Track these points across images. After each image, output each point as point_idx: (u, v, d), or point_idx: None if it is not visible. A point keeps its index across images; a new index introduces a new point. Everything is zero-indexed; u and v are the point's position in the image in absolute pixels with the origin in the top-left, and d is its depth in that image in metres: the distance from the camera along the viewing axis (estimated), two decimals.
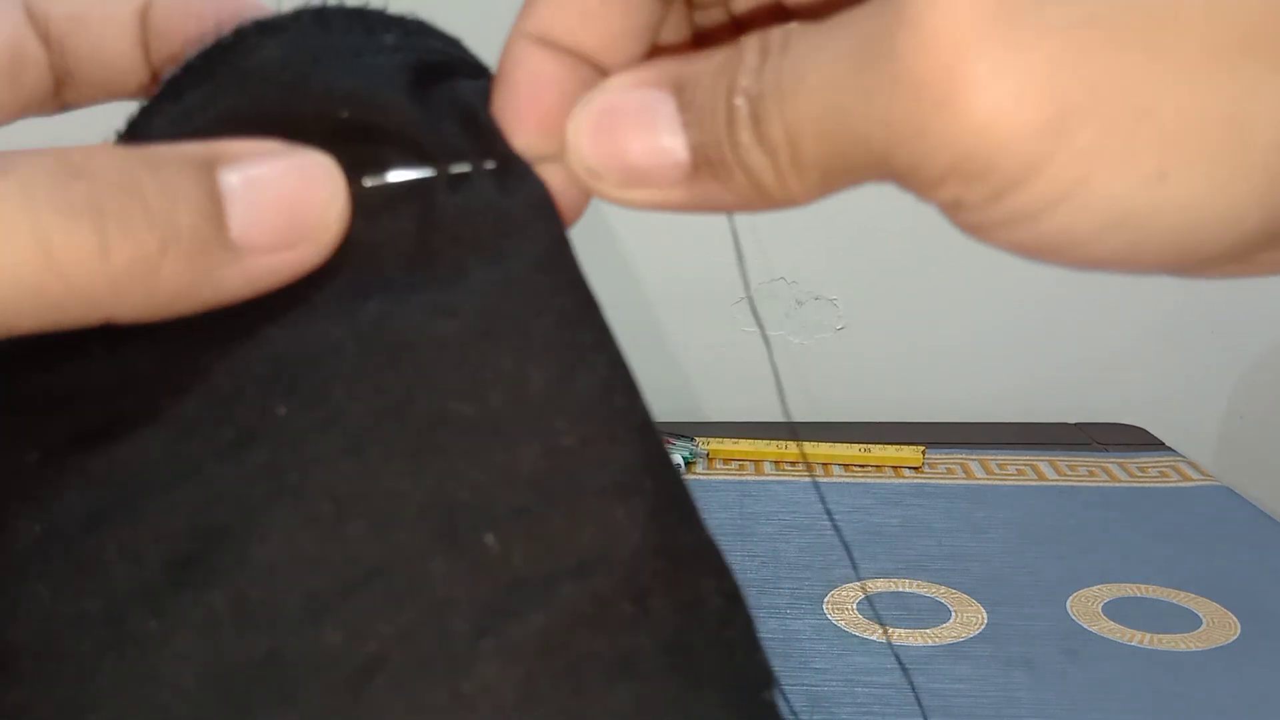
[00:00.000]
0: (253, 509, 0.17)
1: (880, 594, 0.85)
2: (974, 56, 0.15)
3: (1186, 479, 1.07)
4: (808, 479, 1.03)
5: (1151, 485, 1.06)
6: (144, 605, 0.17)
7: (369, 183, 0.18)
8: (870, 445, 1.06)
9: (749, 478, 1.05)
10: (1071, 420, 1.24)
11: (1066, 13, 0.15)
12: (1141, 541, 0.93)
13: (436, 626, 0.17)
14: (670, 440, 1.08)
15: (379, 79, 0.19)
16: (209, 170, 0.17)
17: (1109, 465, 1.10)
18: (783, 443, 1.08)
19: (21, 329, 0.16)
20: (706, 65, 0.18)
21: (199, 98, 0.19)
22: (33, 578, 0.17)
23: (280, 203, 0.17)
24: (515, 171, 0.19)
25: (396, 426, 0.17)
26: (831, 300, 1.26)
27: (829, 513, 0.88)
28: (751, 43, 0.18)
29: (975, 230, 0.17)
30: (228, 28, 0.19)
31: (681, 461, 1.04)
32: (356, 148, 0.18)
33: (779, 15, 0.21)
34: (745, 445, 1.08)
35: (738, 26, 0.22)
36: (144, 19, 0.21)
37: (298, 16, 0.19)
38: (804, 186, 0.17)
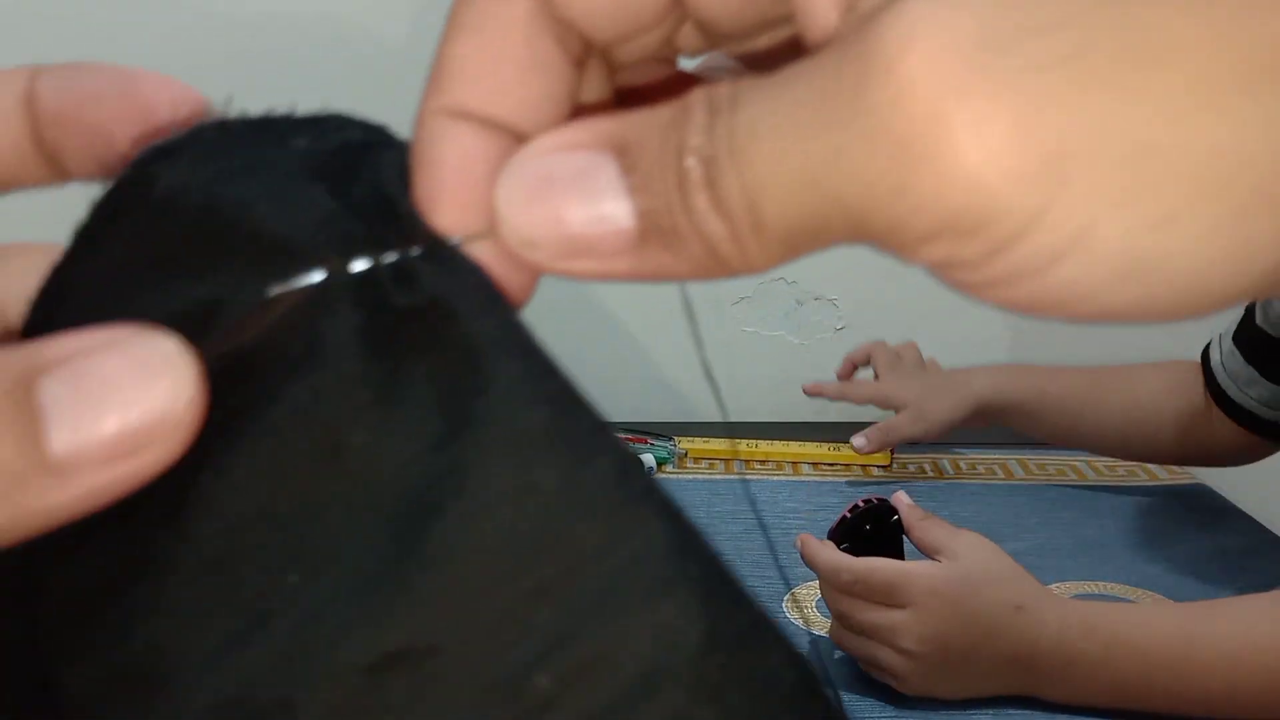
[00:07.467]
0: (288, 693, 0.16)
1: None
2: (955, 105, 0.14)
3: (1154, 478, 1.07)
4: (778, 478, 1.05)
5: (1120, 484, 1.06)
6: None
7: (274, 292, 0.17)
8: (839, 444, 1.07)
9: (718, 476, 1.06)
10: None
11: (1047, 50, 0.14)
12: (1108, 539, 0.93)
13: None
14: (650, 440, 1.10)
15: (290, 185, 0.17)
16: (28, 385, 0.15)
17: (1077, 464, 1.10)
18: (753, 441, 1.10)
19: None
20: (651, 124, 0.17)
21: (108, 245, 0.18)
22: None
23: (110, 407, 0.15)
24: (448, 258, 0.17)
25: (415, 571, 0.16)
26: (832, 300, 1.28)
27: (758, 514, 0.90)
28: (698, 98, 0.16)
29: (969, 289, 0.16)
30: (130, 155, 0.18)
31: (654, 462, 1.06)
32: (282, 259, 0.17)
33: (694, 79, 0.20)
34: (716, 444, 1.09)
35: (661, 88, 0.21)
36: (31, 107, 0.19)
37: (199, 134, 0.18)
38: (764, 253, 0.16)
